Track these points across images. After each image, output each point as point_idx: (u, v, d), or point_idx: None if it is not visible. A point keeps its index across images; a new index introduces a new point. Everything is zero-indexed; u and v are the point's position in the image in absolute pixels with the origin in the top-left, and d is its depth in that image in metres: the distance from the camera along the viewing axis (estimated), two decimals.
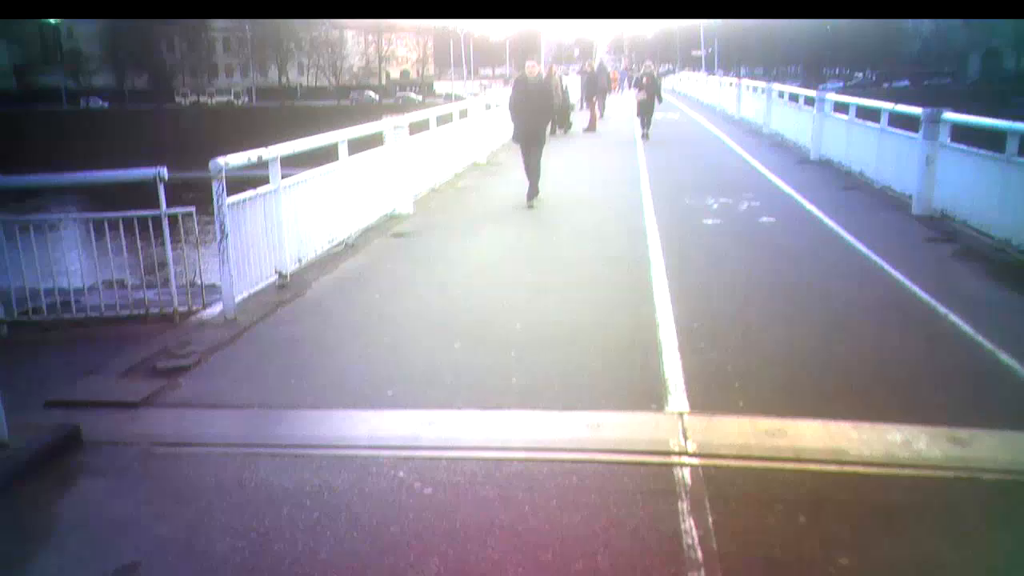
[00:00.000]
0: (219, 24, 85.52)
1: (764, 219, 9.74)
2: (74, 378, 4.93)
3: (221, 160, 5.93)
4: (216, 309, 6.26)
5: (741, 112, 25.99)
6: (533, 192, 10.97)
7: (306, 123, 24.54)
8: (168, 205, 6.09)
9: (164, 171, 5.96)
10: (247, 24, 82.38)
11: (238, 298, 6.18)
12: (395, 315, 6.22)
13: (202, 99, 77.80)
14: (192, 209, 6.28)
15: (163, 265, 6.58)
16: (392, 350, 5.40)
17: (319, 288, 7.02)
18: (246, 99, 79.45)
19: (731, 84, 29.97)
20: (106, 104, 71.94)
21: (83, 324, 6.36)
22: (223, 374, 5.07)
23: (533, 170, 11.02)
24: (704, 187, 12.04)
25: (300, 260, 7.43)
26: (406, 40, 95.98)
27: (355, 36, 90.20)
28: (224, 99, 78.42)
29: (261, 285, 6.69)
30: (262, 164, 6.68)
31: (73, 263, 7.40)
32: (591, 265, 7.70)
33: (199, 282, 6.71)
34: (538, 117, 11.05)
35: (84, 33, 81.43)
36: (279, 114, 60.17)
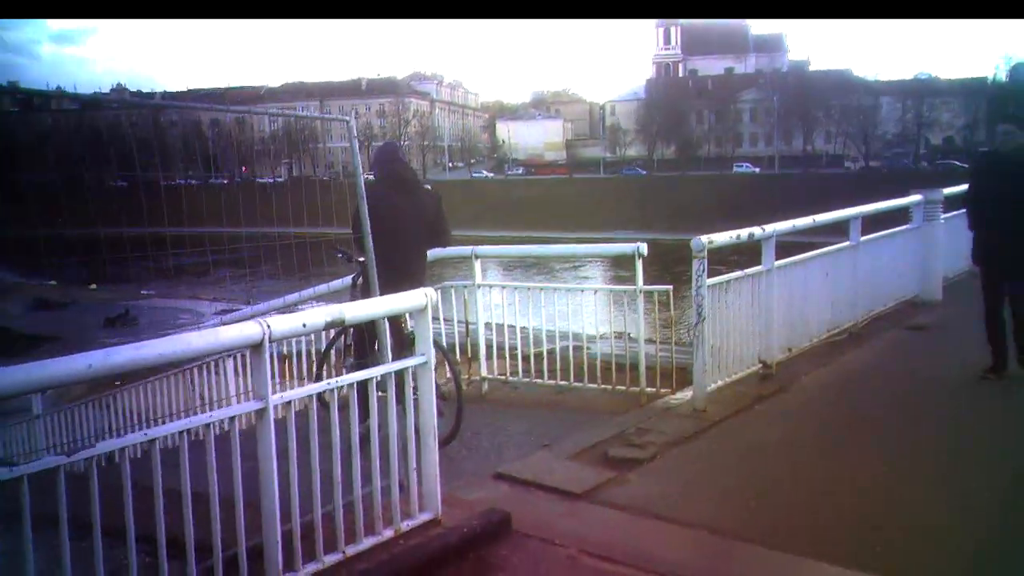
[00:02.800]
0: (746, 96, 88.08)
1: None
2: (528, 450, 4.82)
3: (704, 239, 5.32)
4: (686, 395, 5.67)
5: None
6: (999, 363, 5.81)
7: (839, 193, 23.16)
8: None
9: (643, 247, 6.03)
10: (775, 96, 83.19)
11: (711, 387, 5.47)
12: (897, 430, 4.91)
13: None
14: (669, 287, 6.12)
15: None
16: (886, 480, 4.18)
17: (808, 384, 5.99)
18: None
19: None
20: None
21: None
22: (676, 477, 4.41)
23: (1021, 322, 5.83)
24: None
25: (790, 349, 6.46)
26: (952, 104, 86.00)
27: (890, 102, 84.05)
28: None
29: (740, 374, 5.88)
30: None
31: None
32: None
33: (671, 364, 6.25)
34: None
35: (622, 111, 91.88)
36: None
